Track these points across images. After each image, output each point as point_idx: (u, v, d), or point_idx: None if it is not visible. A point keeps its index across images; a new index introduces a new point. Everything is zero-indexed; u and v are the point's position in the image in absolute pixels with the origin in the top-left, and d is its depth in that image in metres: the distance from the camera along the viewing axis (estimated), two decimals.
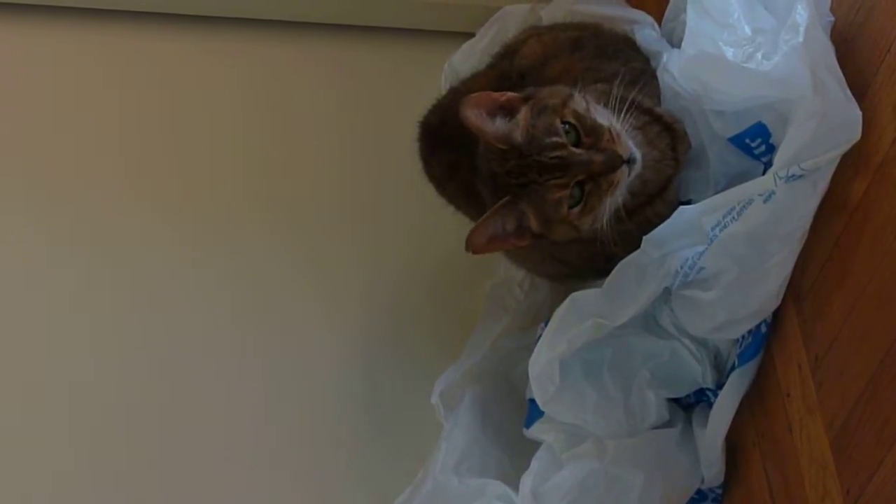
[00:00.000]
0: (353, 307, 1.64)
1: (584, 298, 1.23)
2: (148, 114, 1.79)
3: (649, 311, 1.29)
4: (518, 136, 1.12)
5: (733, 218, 1.16)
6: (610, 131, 1.11)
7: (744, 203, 1.15)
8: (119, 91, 1.81)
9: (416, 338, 1.62)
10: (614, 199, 1.13)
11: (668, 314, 1.29)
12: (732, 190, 1.16)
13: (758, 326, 1.22)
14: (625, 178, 1.13)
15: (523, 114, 1.14)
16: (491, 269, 1.57)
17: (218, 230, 1.69)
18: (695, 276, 1.21)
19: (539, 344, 1.25)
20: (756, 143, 1.21)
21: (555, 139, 1.11)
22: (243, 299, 1.64)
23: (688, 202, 1.25)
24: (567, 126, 1.11)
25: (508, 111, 1.14)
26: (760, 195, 1.13)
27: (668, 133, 1.23)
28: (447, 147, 1.33)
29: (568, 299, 1.24)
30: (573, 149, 1.11)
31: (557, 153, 1.10)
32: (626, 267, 1.21)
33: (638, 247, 1.20)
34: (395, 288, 1.66)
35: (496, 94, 1.14)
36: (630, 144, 1.13)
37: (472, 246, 1.14)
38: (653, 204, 1.23)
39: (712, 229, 1.17)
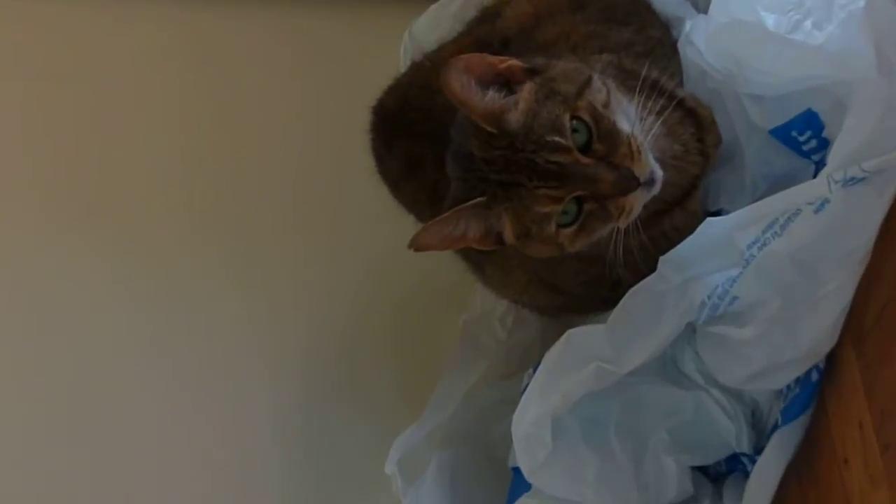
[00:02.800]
0: (295, 349, 1.58)
1: (583, 337, 1.13)
2: (72, 92, 1.74)
3: (668, 353, 1.23)
4: (513, 120, 0.98)
5: (775, 233, 1.07)
6: (629, 143, 0.99)
7: (789, 214, 1.06)
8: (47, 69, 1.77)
9: (370, 388, 1.55)
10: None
11: (693, 358, 1.22)
12: (774, 197, 1.06)
13: (807, 374, 1.13)
14: (639, 204, 1.01)
15: (526, 93, 0.99)
16: (464, 301, 1.46)
17: (141, 240, 1.65)
18: (726, 309, 1.12)
19: (525, 396, 1.16)
20: (805, 137, 1.12)
21: (557, 139, 0.97)
22: (166, 332, 1.60)
23: (717, 213, 1.17)
24: (577, 122, 0.99)
25: (506, 84, 1.00)
26: (810, 204, 1.04)
27: (692, 120, 1.11)
28: (407, 137, 1.22)
29: (563, 338, 1.14)
30: (579, 155, 0.97)
31: (557, 158, 0.97)
32: (637, 296, 1.10)
33: (653, 269, 1.09)
34: (346, 324, 1.59)
35: (494, 59, 1.00)
36: (651, 161, 1.00)
37: (418, 245, 1.00)
38: (671, 214, 1.11)
39: (748, 248, 1.08)
